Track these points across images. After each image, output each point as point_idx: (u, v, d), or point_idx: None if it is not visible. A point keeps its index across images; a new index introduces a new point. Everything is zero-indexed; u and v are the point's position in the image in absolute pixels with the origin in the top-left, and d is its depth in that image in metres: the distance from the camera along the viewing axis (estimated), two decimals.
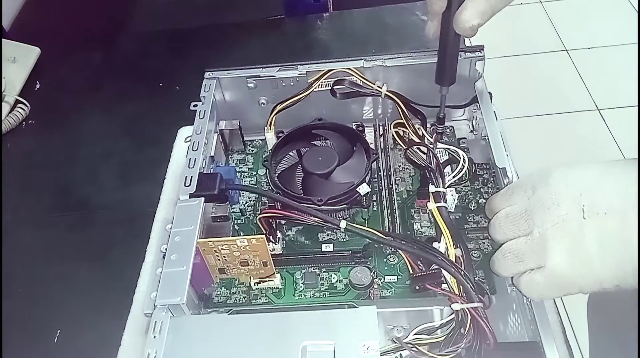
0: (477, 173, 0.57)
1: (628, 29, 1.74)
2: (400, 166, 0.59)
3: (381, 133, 0.61)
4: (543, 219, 0.38)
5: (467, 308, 0.42)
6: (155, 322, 0.42)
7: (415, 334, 0.43)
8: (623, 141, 1.45)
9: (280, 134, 0.58)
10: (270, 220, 0.53)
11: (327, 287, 0.51)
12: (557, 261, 0.37)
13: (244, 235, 0.53)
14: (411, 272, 0.48)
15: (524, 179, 0.42)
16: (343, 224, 0.47)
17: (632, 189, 0.36)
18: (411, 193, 0.57)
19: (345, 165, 0.55)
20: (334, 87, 0.58)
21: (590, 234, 0.36)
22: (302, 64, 0.59)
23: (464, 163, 0.52)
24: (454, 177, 0.52)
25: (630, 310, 0.50)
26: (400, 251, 0.50)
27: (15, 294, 0.61)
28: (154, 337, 0.41)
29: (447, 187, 0.51)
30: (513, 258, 0.40)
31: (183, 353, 0.41)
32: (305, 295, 0.50)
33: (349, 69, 0.58)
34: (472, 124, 0.61)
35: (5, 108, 0.79)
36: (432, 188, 0.49)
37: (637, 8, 1.82)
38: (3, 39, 0.84)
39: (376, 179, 0.57)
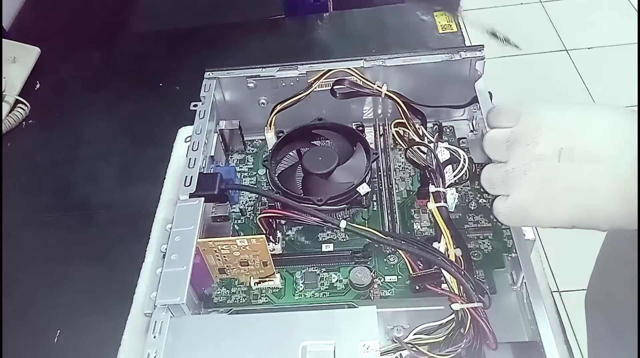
0: (477, 172, 0.57)
1: (628, 29, 1.74)
2: (400, 166, 0.59)
3: (381, 133, 0.61)
4: (519, 154, 0.39)
5: (467, 308, 0.42)
6: (155, 321, 0.42)
7: (415, 334, 0.43)
8: None
9: (280, 134, 0.58)
10: (270, 220, 0.53)
11: (327, 287, 0.51)
12: (521, 196, 0.39)
13: (244, 235, 0.53)
14: (411, 272, 0.48)
15: (514, 105, 0.42)
16: (343, 224, 0.47)
17: (612, 140, 0.36)
18: (411, 193, 0.57)
19: (345, 165, 0.55)
20: (334, 87, 0.58)
21: (560, 178, 0.37)
22: (302, 64, 0.59)
23: (464, 162, 0.52)
24: (454, 177, 0.52)
25: (628, 305, 0.50)
26: (400, 251, 0.50)
27: (15, 294, 0.61)
28: (154, 336, 0.41)
29: (447, 187, 0.51)
30: (486, 182, 0.41)
31: (183, 353, 0.41)
32: (305, 295, 0.50)
33: (349, 69, 0.57)
34: (472, 124, 0.61)
35: (5, 108, 0.79)
36: (432, 188, 0.49)
37: (637, 8, 1.82)
38: (3, 39, 0.84)
39: (376, 179, 0.57)
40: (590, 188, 0.36)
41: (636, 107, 0.36)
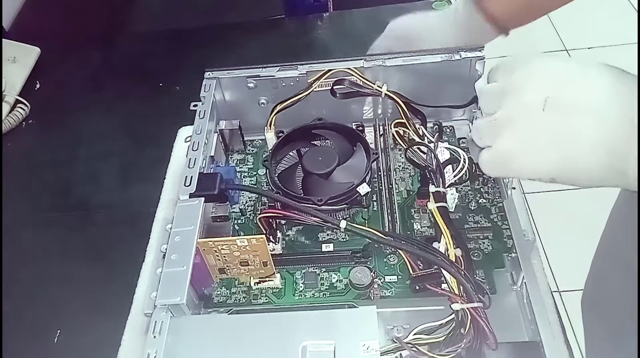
0: (477, 173, 0.57)
1: (628, 29, 1.74)
2: (400, 166, 0.59)
3: (381, 133, 0.61)
4: (508, 102, 0.39)
5: (467, 308, 0.42)
6: (155, 321, 0.42)
7: (415, 334, 0.43)
8: None
9: (280, 134, 0.58)
10: (270, 220, 0.53)
11: (327, 287, 0.51)
12: (504, 145, 0.39)
13: (244, 235, 0.53)
14: (411, 272, 0.48)
15: (511, 59, 0.42)
16: (343, 224, 0.47)
17: (602, 93, 0.37)
18: (411, 192, 0.57)
19: (345, 165, 0.55)
20: (334, 87, 0.58)
21: (545, 127, 0.38)
22: (302, 64, 0.59)
23: (464, 162, 0.52)
24: (454, 177, 0.52)
25: (624, 306, 0.50)
26: (400, 251, 0.50)
27: (15, 294, 0.61)
28: (154, 336, 0.41)
29: (447, 187, 0.51)
30: (475, 134, 0.42)
31: (183, 353, 0.41)
32: (305, 295, 0.50)
33: (349, 69, 0.57)
34: (472, 124, 0.61)
35: (5, 108, 0.79)
36: (432, 188, 0.49)
37: (637, 8, 1.82)
38: (3, 39, 0.84)
39: (376, 179, 0.57)
40: (574, 138, 0.36)
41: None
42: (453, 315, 0.43)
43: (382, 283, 0.50)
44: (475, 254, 0.51)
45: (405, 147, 0.57)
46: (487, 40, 0.56)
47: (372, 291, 0.50)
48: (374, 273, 0.50)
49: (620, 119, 0.35)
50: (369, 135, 0.60)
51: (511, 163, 0.39)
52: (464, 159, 0.52)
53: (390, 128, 0.59)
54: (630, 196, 0.50)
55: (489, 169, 0.41)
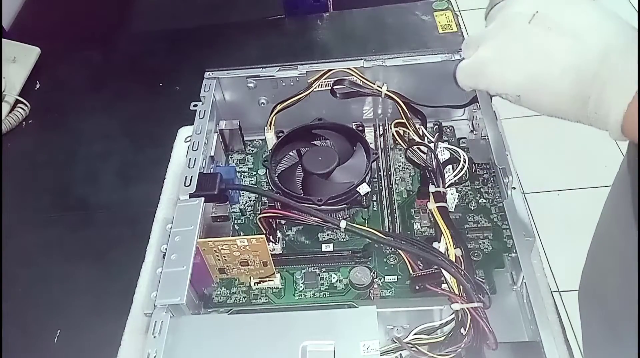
0: (477, 173, 0.57)
1: None
2: (400, 166, 0.59)
3: (381, 133, 0.61)
4: (499, 15, 0.40)
5: (467, 308, 0.42)
6: (155, 321, 0.42)
7: (415, 334, 0.43)
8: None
9: (280, 134, 0.58)
10: (270, 220, 0.53)
11: (327, 287, 0.51)
12: (481, 53, 0.40)
13: (244, 235, 0.53)
14: (411, 272, 0.48)
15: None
16: (343, 224, 0.47)
17: (588, 22, 0.37)
18: (411, 192, 0.57)
19: (345, 165, 0.55)
20: (334, 87, 0.58)
21: (524, 40, 0.38)
22: (302, 64, 0.59)
23: (464, 162, 0.52)
24: (454, 177, 0.52)
25: (620, 293, 0.50)
26: (400, 251, 0.50)
27: (16, 294, 0.61)
28: (154, 336, 0.41)
29: (447, 187, 0.51)
30: (465, 45, 0.43)
31: (183, 353, 0.41)
32: (305, 295, 0.50)
33: (349, 69, 0.58)
34: (472, 124, 0.61)
35: (5, 108, 0.79)
36: (432, 188, 0.49)
37: (637, 8, 1.82)
38: (3, 39, 0.84)
39: (376, 179, 0.57)
40: (549, 57, 0.36)
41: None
42: (453, 315, 0.43)
43: (382, 283, 0.50)
44: (475, 254, 0.51)
45: (405, 147, 0.57)
46: None
47: (372, 291, 0.50)
48: (374, 273, 0.50)
49: (596, 50, 0.35)
50: (369, 135, 0.60)
51: (484, 69, 0.40)
52: (464, 159, 0.52)
53: (390, 128, 0.59)
54: (624, 185, 0.50)
55: (462, 77, 0.42)
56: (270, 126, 0.58)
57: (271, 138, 0.59)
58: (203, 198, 0.49)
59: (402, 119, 0.57)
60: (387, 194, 0.56)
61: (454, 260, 0.45)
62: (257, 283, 0.51)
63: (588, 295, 0.60)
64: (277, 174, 0.55)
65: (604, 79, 0.34)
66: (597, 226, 0.59)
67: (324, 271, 0.52)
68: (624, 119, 0.33)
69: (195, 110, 0.57)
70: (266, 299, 0.50)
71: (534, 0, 0.39)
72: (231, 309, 0.49)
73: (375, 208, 0.55)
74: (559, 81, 0.36)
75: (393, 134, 0.59)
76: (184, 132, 0.66)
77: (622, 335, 0.51)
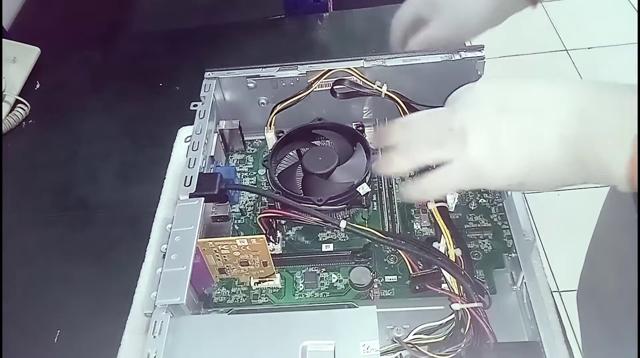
0: None
1: (628, 29, 1.74)
2: None
3: None
4: (465, 116, 0.40)
5: (467, 308, 0.42)
6: (155, 321, 0.42)
7: (415, 334, 0.43)
8: None
9: (280, 134, 0.58)
10: (270, 220, 0.53)
11: (327, 287, 0.51)
12: (475, 151, 0.39)
13: (244, 235, 0.53)
14: (411, 272, 0.48)
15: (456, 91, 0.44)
16: (343, 224, 0.47)
17: (551, 94, 0.37)
18: None
19: (345, 165, 0.55)
20: (334, 87, 0.58)
21: (503, 127, 0.38)
22: (302, 64, 0.59)
23: None
24: None
25: (617, 297, 0.50)
26: (400, 251, 0.50)
27: (15, 294, 0.61)
28: (154, 337, 0.41)
29: None
30: (433, 144, 0.41)
31: (183, 353, 0.41)
32: (305, 295, 0.50)
33: (349, 69, 0.58)
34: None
35: (5, 108, 0.79)
36: None
37: (637, 8, 1.82)
38: (3, 39, 0.84)
39: (376, 179, 0.57)
40: (535, 135, 0.37)
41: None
42: (453, 315, 0.43)
43: (382, 283, 0.50)
44: (475, 254, 0.51)
45: None
46: (515, 10, 0.55)
47: (372, 291, 0.50)
48: (374, 273, 0.50)
49: (572, 112, 0.36)
50: (369, 135, 0.60)
51: (484, 171, 0.39)
52: None
53: None
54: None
55: (460, 182, 0.41)
56: (270, 126, 0.58)
57: (271, 138, 0.59)
58: (203, 198, 0.49)
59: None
60: (387, 194, 0.56)
61: (454, 260, 0.45)
62: (257, 283, 0.51)
63: (587, 297, 0.60)
64: (277, 174, 0.55)
65: (589, 137, 0.35)
66: (596, 229, 0.59)
67: (324, 271, 0.52)
68: (628, 173, 0.33)
69: (195, 110, 0.57)
70: (266, 299, 0.50)
71: (493, 97, 0.39)
72: (231, 309, 0.49)
73: (375, 208, 0.55)
74: (553, 152, 0.36)
75: None
76: (184, 132, 0.66)
77: (622, 337, 0.51)
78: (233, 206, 0.57)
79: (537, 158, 0.37)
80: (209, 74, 0.60)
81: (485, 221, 0.53)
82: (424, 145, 0.42)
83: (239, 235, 0.54)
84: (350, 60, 0.58)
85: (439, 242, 0.47)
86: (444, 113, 0.42)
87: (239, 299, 0.51)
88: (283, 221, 0.55)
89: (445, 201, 0.50)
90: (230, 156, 0.63)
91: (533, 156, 0.37)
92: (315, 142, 0.59)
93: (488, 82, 0.42)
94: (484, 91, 0.40)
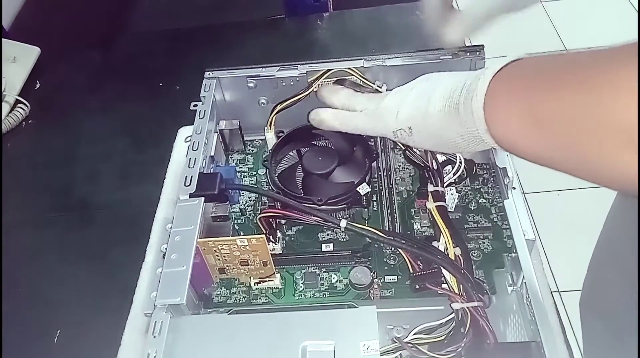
0: (477, 173, 0.57)
1: (628, 29, 1.74)
2: (400, 166, 0.59)
3: None
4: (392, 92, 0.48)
5: (467, 307, 0.42)
6: (155, 321, 0.42)
7: (415, 334, 0.43)
8: None
9: (280, 134, 0.58)
10: (270, 220, 0.53)
11: (327, 287, 0.51)
12: (384, 102, 0.47)
13: (244, 235, 0.53)
14: (411, 271, 0.48)
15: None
16: (343, 223, 0.47)
17: (449, 76, 0.43)
18: (411, 192, 0.57)
19: (346, 165, 0.55)
20: None
21: (407, 92, 0.46)
22: (302, 64, 0.59)
23: (461, 163, 0.52)
24: (454, 175, 0.52)
25: (622, 306, 0.50)
26: (400, 251, 0.50)
27: (15, 294, 0.61)
28: (154, 336, 0.41)
29: (447, 186, 0.51)
30: (348, 96, 0.52)
31: (183, 353, 0.41)
32: (305, 295, 0.50)
33: (349, 69, 0.58)
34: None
35: (5, 108, 0.79)
36: (430, 188, 0.49)
37: (637, 8, 1.82)
38: (3, 39, 0.84)
39: (376, 179, 0.57)
40: (428, 97, 0.43)
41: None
42: (453, 315, 0.43)
43: (382, 283, 0.50)
44: (475, 254, 0.51)
45: (404, 147, 0.57)
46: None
47: (372, 291, 0.50)
48: (374, 273, 0.50)
49: (460, 85, 0.41)
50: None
51: (382, 115, 0.46)
52: (460, 159, 0.52)
53: None
54: (627, 197, 0.50)
55: (360, 124, 0.49)
56: (270, 126, 0.58)
57: (271, 138, 0.59)
58: (203, 198, 0.49)
59: None
60: (387, 194, 0.56)
61: (453, 259, 0.45)
62: (257, 283, 0.51)
63: (590, 305, 0.60)
64: (277, 174, 0.55)
65: (465, 96, 0.39)
66: (600, 238, 0.59)
67: (324, 271, 0.52)
68: (485, 107, 0.37)
69: (195, 110, 0.57)
70: (266, 299, 0.50)
71: (421, 78, 0.47)
72: (231, 309, 0.49)
73: (375, 208, 0.55)
74: (434, 107, 0.42)
75: None
76: (184, 132, 0.66)
77: (626, 347, 0.51)
78: (233, 206, 0.57)
79: (424, 110, 0.43)
80: (209, 74, 0.60)
81: (485, 221, 0.53)
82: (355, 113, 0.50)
83: (239, 235, 0.54)
84: (350, 60, 0.58)
85: (439, 241, 0.47)
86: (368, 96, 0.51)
87: (239, 299, 0.51)
88: (283, 221, 0.55)
89: (444, 201, 0.50)
90: (230, 156, 0.63)
91: (421, 108, 0.43)
92: (315, 142, 0.59)
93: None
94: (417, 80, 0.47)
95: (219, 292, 0.51)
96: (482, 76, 0.38)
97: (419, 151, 0.55)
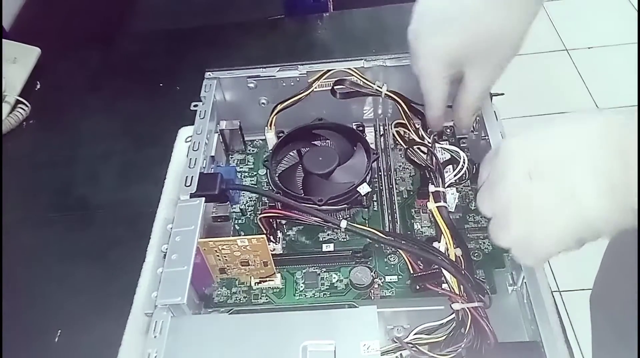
0: (477, 173, 0.57)
1: (628, 29, 1.74)
2: (400, 166, 0.59)
3: (381, 133, 0.61)
4: (498, 194, 0.39)
5: (467, 307, 0.42)
6: (156, 321, 0.42)
7: (415, 334, 0.43)
8: None
9: (281, 134, 0.58)
10: (271, 220, 0.53)
11: (327, 287, 0.51)
12: (516, 233, 0.38)
13: (244, 235, 0.53)
14: (411, 272, 0.48)
15: (490, 152, 0.43)
16: (344, 224, 0.47)
17: (576, 144, 0.36)
18: (411, 192, 0.57)
19: (346, 165, 0.55)
20: (334, 87, 0.58)
21: (541, 197, 0.36)
22: (303, 64, 0.59)
23: (464, 163, 0.52)
24: (454, 176, 0.52)
25: (632, 308, 0.50)
26: (400, 251, 0.50)
27: (16, 294, 0.61)
28: (155, 336, 0.41)
29: (447, 187, 0.51)
30: (492, 237, 0.40)
31: (183, 353, 0.41)
32: (305, 295, 0.50)
33: (349, 69, 0.58)
34: (472, 124, 0.61)
35: (6, 108, 0.79)
36: (431, 188, 0.49)
37: (637, 8, 1.82)
38: (3, 39, 0.84)
39: (376, 179, 0.57)
40: (573, 194, 0.35)
41: (636, 108, 0.35)
42: (453, 315, 0.43)
43: (382, 283, 0.50)
44: (476, 254, 0.51)
45: (405, 147, 0.57)
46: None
47: (372, 291, 0.50)
48: (374, 273, 0.50)
49: (606, 159, 0.34)
50: (369, 135, 0.60)
51: (532, 242, 0.38)
52: (464, 159, 0.52)
53: (391, 128, 0.59)
54: None
55: (519, 258, 0.40)
56: (270, 126, 0.58)
57: (271, 138, 0.59)
58: (204, 198, 0.49)
59: (402, 119, 0.57)
60: (387, 194, 0.56)
61: (454, 260, 0.45)
62: (258, 283, 0.51)
63: (600, 304, 0.60)
64: (277, 175, 0.55)
65: (627, 183, 0.34)
66: (611, 239, 0.58)
67: (325, 271, 0.52)
68: None
69: (196, 110, 0.57)
70: (266, 299, 0.51)
71: (519, 165, 0.38)
72: (232, 309, 0.49)
73: (375, 208, 0.55)
74: (599, 202, 0.35)
75: (393, 134, 0.59)
76: (184, 132, 0.66)
77: (633, 348, 0.51)
78: (234, 206, 0.57)
79: (585, 213, 0.35)
80: (209, 74, 0.60)
81: (486, 221, 0.53)
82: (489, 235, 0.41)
83: (239, 235, 0.54)
84: (350, 60, 0.58)
85: (439, 242, 0.47)
86: (484, 191, 0.41)
87: (240, 299, 0.51)
88: (283, 221, 0.55)
89: (445, 201, 0.50)
90: (230, 156, 0.63)
91: (580, 213, 0.35)
92: (315, 142, 0.59)
93: (510, 143, 0.40)
94: (509, 156, 0.39)
95: (219, 292, 0.51)
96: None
97: (420, 151, 0.55)
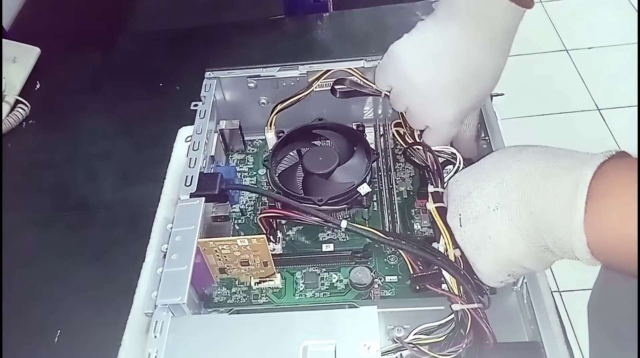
0: None
1: (628, 29, 1.74)
2: (400, 166, 0.59)
3: (381, 133, 0.61)
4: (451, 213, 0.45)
5: (467, 308, 0.42)
6: (156, 321, 0.42)
7: (415, 334, 0.43)
8: (623, 141, 1.45)
9: (281, 134, 0.58)
10: (271, 220, 0.53)
11: (327, 287, 0.51)
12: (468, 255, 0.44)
13: (244, 235, 0.53)
14: (411, 272, 0.48)
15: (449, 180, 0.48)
16: (344, 224, 0.47)
17: (499, 192, 0.40)
18: (411, 193, 0.57)
19: (346, 165, 0.55)
20: (335, 87, 0.58)
21: (470, 240, 0.43)
22: (303, 64, 0.59)
23: (460, 164, 0.52)
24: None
25: (629, 312, 0.50)
26: (400, 251, 0.50)
27: (15, 294, 0.61)
28: (155, 336, 0.41)
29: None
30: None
31: (183, 353, 0.41)
32: (305, 295, 0.50)
33: (349, 69, 0.58)
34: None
35: (5, 108, 0.79)
36: (430, 188, 0.49)
37: (637, 8, 1.82)
38: (3, 39, 0.84)
39: (376, 179, 0.57)
40: (489, 237, 0.41)
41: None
42: (453, 316, 0.43)
43: (382, 283, 0.50)
44: None
45: (404, 147, 0.57)
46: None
47: (372, 291, 0.50)
48: (374, 273, 0.50)
49: (519, 204, 0.39)
50: (369, 135, 0.60)
51: (478, 269, 0.43)
52: (459, 160, 0.52)
53: (391, 128, 0.59)
54: None
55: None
56: (270, 126, 0.58)
57: (271, 138, 0.59)
58: (203, 198, 0.49)
59: (402, 119, 0.57)
60: (387, 194, 0.56)
61: (453, 261, 0.45)
62: (258, 283, 0.51)
63: (598, 309, 0.60)
64: (277, 174, 0.55)
65: (544, 226, 0.37)
66: None
67: (325, 271, 0.52)
68: (592, 250, 0.35)
69: (196, 110, 0.57)
70: (266, 299, 0.51)
71: (452, 210, 0.45)
72: (231, 309, 0.49)
73: (375, 208, 0.55)
74: (518, 245, 0.40)
75: (393, 134, 0.59)
76: (184, 132, 0.66)
77: (632, 353, 0.51)
78: (233, 206, 0.57)
79: (500, 256, 0.41)
80: (209, 74, 0.60)
81: None
82: None
83: (239, 235, 0.54)
84: (350, 60, 0.58)
85: (438, 242, 0.47)
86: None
87: (240, 299, 0.51)
88: (283, 221, 0.55)
89: (445, 202, 0.50)
90: (230, 156, 0.63)
91: (495, 256, 0.41)
92: (315, 142, 0.59)
93: (451, 189, 0.46)
94: (449, 203, 0.45)
95: (219, 292, 0.51)
96: (579, 187, 0.35)
97: (419, 150, 0.55)
